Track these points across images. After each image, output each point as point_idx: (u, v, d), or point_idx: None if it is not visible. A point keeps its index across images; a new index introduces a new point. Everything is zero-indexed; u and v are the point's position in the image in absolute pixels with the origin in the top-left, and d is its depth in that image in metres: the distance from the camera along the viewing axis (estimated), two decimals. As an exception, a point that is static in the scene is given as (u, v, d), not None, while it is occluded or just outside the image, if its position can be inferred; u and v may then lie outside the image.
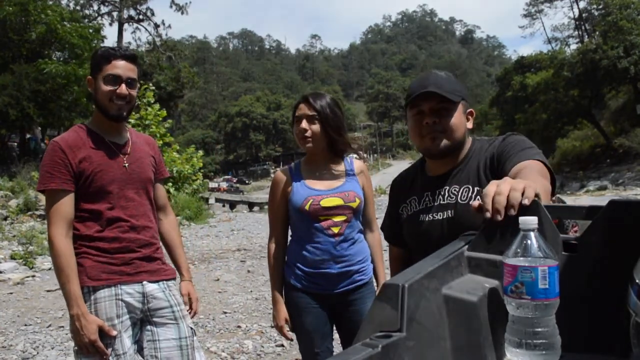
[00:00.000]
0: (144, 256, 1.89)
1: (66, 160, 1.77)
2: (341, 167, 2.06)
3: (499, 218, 0.83)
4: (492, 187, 0.89)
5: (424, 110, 1.41)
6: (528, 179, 1.05)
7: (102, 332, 1.75)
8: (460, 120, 1.42)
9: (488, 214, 0.85)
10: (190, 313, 2.05)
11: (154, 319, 1.89)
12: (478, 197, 1.36)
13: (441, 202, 1.44)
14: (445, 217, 1.42)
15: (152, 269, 1.91)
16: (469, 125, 1.49)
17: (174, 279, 2.03)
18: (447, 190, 1.44)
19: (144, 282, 1.87)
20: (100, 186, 1.82)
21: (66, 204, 1.78)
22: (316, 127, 1.95)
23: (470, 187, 1.40)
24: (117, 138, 1.92)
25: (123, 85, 1.82)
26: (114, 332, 1.77)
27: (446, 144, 1.41)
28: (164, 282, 1.95)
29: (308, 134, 1.94)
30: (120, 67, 1.82)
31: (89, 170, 1.80)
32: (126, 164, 1.89)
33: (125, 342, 1.80)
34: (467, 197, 1.39)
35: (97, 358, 1.76)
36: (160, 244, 2.04)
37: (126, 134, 1.97)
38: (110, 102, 1.83)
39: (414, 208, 1.52)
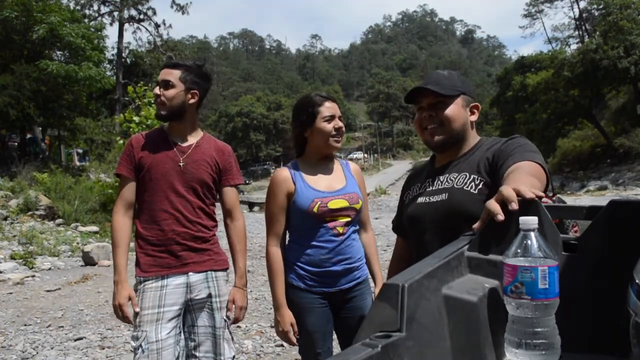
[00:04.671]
0: (191, 248, 2.06)
1: (132, 152, 2.09)
2: (339, 168, 2.08)
3: (501, 218, 0.84)
4: (490, 200, 0.90)
5: (423, 107, 1.51)
6: (517, 178, 1.07)
7: (144, 318, 1.97)
8: (457, 112, 1.48)
9: (488, 215, 0.86)
10: (230, 319, 2.16)
11: (195, 307, 2.08)
12: (472, 184, 1.41)
13: (439, 186, 1.50)
14: (440, 199, 1.46)
15: (200, 260, 2.08)
16: (473, 118, 1.54)
17: (226, 269, 2.19)
18: (446, 177, 1.49)
19: (190, 273, 2.05)
20: (153, 178, 2.05)
21: (127, 189, 2.09)
22: (343, 125, 2.06)
23: (467, 174, 1.44)
24: (180, 139, 2.14)
25: (157, 87, 2.09)
26: (137, 308, 1.99)
27: (443, 136, 1.49)
28: (212, 272, 2.11)
29: (341, 131, 2.02)
30: (162, 73, 2.11)
31: (146, 164, 2.06)
32: (182, 163, 2.08)
33: (161, 331, 1.96)
34: (462, 182, 1.43)
35: (137, 333, 1.97)
36: (215, 236, 2.19)
37: (192, 138, 2.17)
38: (155, 103, 2.12)
39: (414, 193, 1.60)
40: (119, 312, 1.99)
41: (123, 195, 2.08)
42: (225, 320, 2.12)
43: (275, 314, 1.98)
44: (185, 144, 2.13)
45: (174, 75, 2.08)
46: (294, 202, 1.94)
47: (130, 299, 2.00)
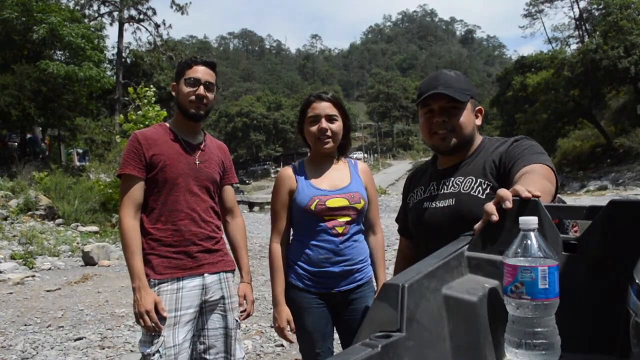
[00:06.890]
0: (205, 249, 2.03)
1: (141, 150, 1.96)
2: (345, 167, 2.06)
3: (495, 219, 0.85)
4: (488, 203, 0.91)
5: (434, 109, 1.48)
6: (530, 181, 1.06)
7: (161, 322, 1.88)
8: (468, 118, 1.48)
9: (485, 217, 0.87)
10: (243, 314, 2.16)
11: (207, 309, 2.04)
12: (479, 188, 1.40)
13: (445, 191, 1.49)
14: (447, 204, 1.46)
15: (214, 261, 2.06)
16: (478, 122, 1.54)
17: (233, 270, 2.17)
18: (452, 181, 1.49)
19: (205, 275, 2.01)
20: (169, 178, 1.98)
21: (136, 189, 1.96)
22: (336, 126, 1.96)
23: (474, 178, 1.43)
24: (191, 138, 2.09)
25: (201, 87, 2.00)
26: (165, 313, 1.89)
27: (455, 142, 1.47)
28: (224, 272, 2.09)
29: (329, 133, 1.94)
30: (200, 71, 2.02)
31: (160, 162, 1.97)
32: (197, 162, 2.05)
33: (178, 335, 1.91)
34: (469, 187, 1.43)
35: (151, 338, 1.88)
36: (224, 236, 2.17)
37: (201, 136, 2.15)
38: (190, 102, 2.01)
39: (419, 197, 1.59)
40: (147, 319, 1.85)
41: (132, 196, 1.95)
42: (236, 321, 2.10)
43: (273, 310, 2.00)
44: (195, 143, 2.09)
45: (214, 78, 2.07)
46: (294, 200, 1.95)
47: (156, 303, 1.88)
